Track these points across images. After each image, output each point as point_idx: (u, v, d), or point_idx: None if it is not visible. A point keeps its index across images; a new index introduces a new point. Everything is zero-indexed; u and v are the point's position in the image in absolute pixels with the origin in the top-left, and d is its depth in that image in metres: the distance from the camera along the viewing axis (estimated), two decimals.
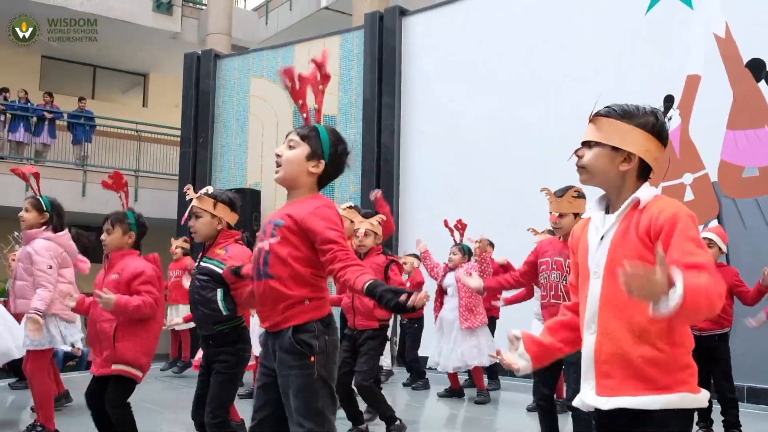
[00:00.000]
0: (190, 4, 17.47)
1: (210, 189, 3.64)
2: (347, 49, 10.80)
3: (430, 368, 7.13)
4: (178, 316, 8.26)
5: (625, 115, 1.95)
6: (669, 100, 7.64)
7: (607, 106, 1.99)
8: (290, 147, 2.56)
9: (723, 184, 7.18)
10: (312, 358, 2.40)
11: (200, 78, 12.04)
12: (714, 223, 7.13)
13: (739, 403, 5.24)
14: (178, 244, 8.46)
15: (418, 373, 7.70)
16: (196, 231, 3.57)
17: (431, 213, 8.96)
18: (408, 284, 7.37)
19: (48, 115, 14.06)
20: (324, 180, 2.60)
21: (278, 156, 2.55)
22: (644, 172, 1.95)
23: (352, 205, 5.42)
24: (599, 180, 1.98)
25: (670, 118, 7.64)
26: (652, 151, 1.93)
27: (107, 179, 4.06)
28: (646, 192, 1.91)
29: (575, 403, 1.99)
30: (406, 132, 10.09)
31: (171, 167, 14.85)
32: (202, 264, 3.56)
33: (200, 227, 3.55)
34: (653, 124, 1.95)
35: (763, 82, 7.01)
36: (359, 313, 4.79)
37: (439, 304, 6.83)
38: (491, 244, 6.90)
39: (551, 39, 8.59)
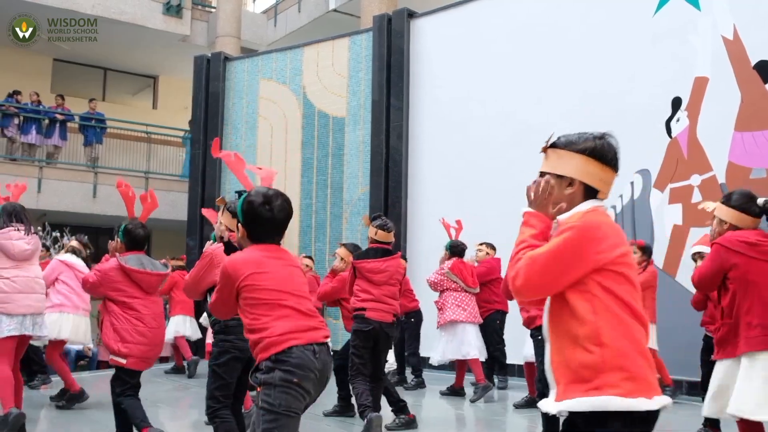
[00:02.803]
0: (200, 7, 17.58)
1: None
2: (356, 52, 10.84)
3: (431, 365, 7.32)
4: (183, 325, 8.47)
5: (567, 144, 2.17)
6: (677, 102, 7.65)
7: (558, 137, 2.22)
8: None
9: (731, 185, 7.17)
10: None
11: (210, 80, 12.11)
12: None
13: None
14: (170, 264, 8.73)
15: (414, 369, 7.74)
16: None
17: (439, 214, 8.98)
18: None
19: (60, 117, 14.18)
20: (255, 235, 2.86)
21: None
22: (592, 192, 2.15)
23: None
24: (550, 207, 2.18)
25: (678, 120, 7.66)
26: (593, 173, 2.13)
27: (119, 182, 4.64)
28: (569, 213, 2.12)
29: (543, 409, 2.14)
30: (414, 134, 10.13)
31: (181, 169, 14.96)
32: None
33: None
34: (593, 148, 2.14)
35: None
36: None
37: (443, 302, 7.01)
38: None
39: (559, 42, 8.61)
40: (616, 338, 1.98)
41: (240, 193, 2.99)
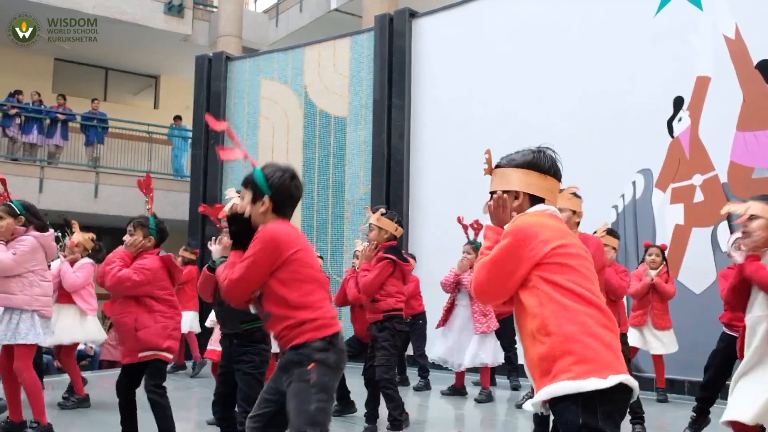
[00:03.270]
0: (201, 7, 17.60)
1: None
2: (357, 51, 10.84)
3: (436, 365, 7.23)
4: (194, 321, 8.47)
5: (509, 161, 2.41)
6: (679, 102, 7.65)
7: (501, 158, 2.44)
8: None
9: (733, 185, 7.17)
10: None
11: (211, 80, 12.11)
12: (724, 224, 7.14)
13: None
14: (180, 254, 8.61)
15: (421, 370, 7.75)
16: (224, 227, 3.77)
17: (440, 214, 9.00)
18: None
19: (61, 117, 14.19)
20: (282, 211, 2.80)
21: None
22: (538, 201, 2.34)
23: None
24: (508, 219, 2.33)
25: (680, 120, 7.65)
26: (534, 183, 2.34)
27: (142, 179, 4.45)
28: (514, 219, 2.30)
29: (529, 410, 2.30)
30: (415, 133, 10.13)
31: (179, 168, 14.98)
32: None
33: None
34: (530, 161, 2.36)
35: None
36: (368, 309, 5.08)
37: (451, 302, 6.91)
38: None
39: (560, 42, 8.60)
40: (561, 325, 2.07)
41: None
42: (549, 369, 2.04)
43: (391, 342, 5.00)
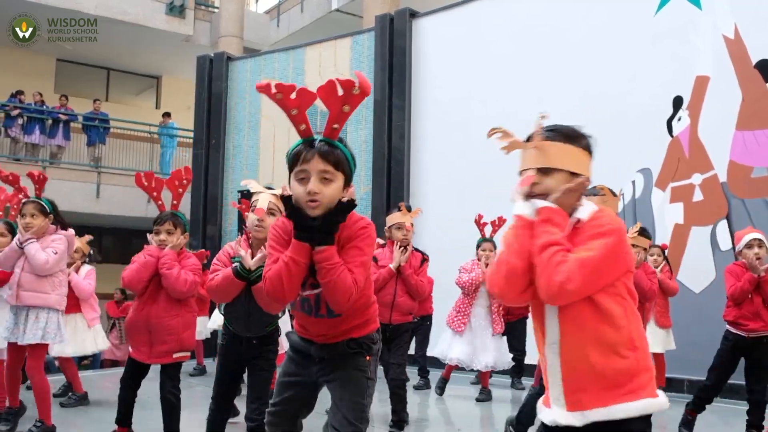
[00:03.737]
0: (203, 8, 17.64)
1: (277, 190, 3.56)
2: (358, 52, 10.87)
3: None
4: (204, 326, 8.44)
5: (572, 139, 2.14)
6: (678, 101, 7.67)
7: (550, 130, 2.15)
8: (324, 180, 2.33)
9: (732, 184, 7.20)
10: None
11: (212, 80, 12.14)
12: (723, 223, 7.17)
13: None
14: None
15: (421, 370, 7.77)
16: (265, 227, 3.40)
17: (441, 214, 9.02)
18: None
19: (63, 117, 14.24)
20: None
21: (315, 193, 2.31)
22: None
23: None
24: (572, 206, 2.09)
25: (679, 119, 7.67)
26: (589, 168, 2.15)
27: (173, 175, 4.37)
28: (588, 211, 2.07)
29: (546, 421, 2.05)
30: (416, 133, 10.16)
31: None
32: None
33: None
34: (587, 144, 2.16)
35: None
36: (397, 309, 4.99)
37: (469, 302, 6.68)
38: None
39: (560, 42, 8.62)
40: (642, 339, 2.00)
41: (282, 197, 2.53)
42: (623, 383, 1.92)
43: (408, 342, 5.16)
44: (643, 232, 5.28)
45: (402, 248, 4.99)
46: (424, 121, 10.08)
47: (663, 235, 7.55)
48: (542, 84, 8.68)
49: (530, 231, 2.01)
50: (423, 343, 7.87)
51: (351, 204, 2.36)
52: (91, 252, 6.51)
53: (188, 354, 4.18)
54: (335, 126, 2.32)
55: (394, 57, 10.36)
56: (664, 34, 7.83)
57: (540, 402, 2.11)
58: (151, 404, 4.20)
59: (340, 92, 2.21)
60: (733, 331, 4.95)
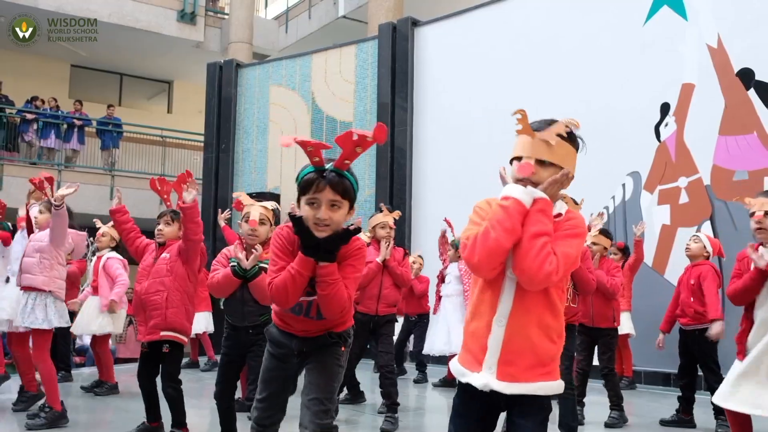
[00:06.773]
0: (213, 14, 17.98)
1: (273, 205, 4.12)
2: (362, 59, 11.22)
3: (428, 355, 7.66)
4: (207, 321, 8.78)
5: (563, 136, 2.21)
6: (665, 108, 8.00)
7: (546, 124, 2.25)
8: (333, 207, 2.61)
9: (715, 187, 7.53)
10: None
11: (222, 86, 12.49)
12: (707, 224, 7.50)
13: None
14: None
15: (419, 364, 8.16)
16: (258, 235, 3.94)
17: (442, 216, 9.33)
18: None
19: (77, 122, 14.65)
20: None
21: (324, 220, 2.59)
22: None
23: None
24: (556, 198, 2.23)
25: (666, 125, 8.01)
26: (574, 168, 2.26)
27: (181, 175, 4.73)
28: (561, 207, 2.27)
29: (477, 384, 2.20)
30: (418, 137, 10.47)
31: (194, 171, 15.35)
32: (260, 266, 3.90)
33: (263, 233, 3.96)
34: (577, 146, 2.29)
35: (752, 90, 7.34)
36: (383, 300, 5.47)
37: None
38: None
39: (556, 50, 8.93)
40: (564, 331, 2.30)
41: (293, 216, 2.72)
42: (545, 364, 2.15)
43: (393, 332, 5.61)
44: (604, 233, 5.61)
45: (387, 243, 5.49)
46: (426, 126, 10.40)
47: (651, 236, 7.88)
48: (538, 90, 8.96)
49: (523, 216, 2.12)
50: (421, 339, 8.22)
51: (356, 231, 2.72)
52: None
53: (179, 336, 4.32)
54: (347, 161, 2.61)
55: (397, 64, 10.69)
56: (652, 44, 8.16)
57: (456, 364, 2.27)
58: (162, 398, 4.51)
59: (355, 137, 2.51)
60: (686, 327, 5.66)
